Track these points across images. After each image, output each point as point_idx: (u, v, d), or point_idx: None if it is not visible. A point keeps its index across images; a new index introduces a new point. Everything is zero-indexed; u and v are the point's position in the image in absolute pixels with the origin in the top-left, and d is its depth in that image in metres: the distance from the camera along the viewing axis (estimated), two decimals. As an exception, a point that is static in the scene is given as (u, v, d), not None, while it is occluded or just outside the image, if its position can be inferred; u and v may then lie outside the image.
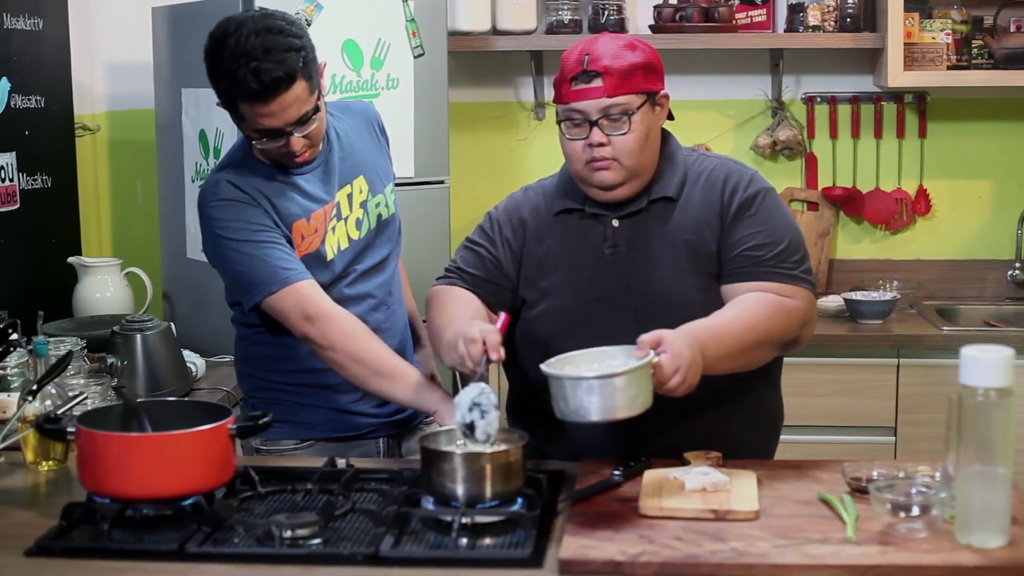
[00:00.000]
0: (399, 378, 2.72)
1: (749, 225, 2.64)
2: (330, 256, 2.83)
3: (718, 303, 2.61)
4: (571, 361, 2.39)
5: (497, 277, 2.72)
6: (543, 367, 2.34)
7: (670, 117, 2.69)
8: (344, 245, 2.86)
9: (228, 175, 2.82)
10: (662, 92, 2.64)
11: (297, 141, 2.72)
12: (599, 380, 2.26)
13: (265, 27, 2.66)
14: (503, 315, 2.59)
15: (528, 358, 2.66)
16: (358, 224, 2.89)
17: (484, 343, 2.40)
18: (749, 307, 2.56)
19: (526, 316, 2.71)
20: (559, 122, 2.63)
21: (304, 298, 2.73)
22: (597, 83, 2.57)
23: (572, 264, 2.68)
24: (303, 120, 2.71)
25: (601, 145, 2.58)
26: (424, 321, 2.89)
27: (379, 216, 2.93)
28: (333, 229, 2.84)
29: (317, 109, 2.73)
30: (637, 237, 2.66)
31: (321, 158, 2.86)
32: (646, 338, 2.36)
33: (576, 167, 2.63)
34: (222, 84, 2.69)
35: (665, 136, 2.74)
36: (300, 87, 2.67)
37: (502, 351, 2.42)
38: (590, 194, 2.67)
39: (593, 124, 2.57)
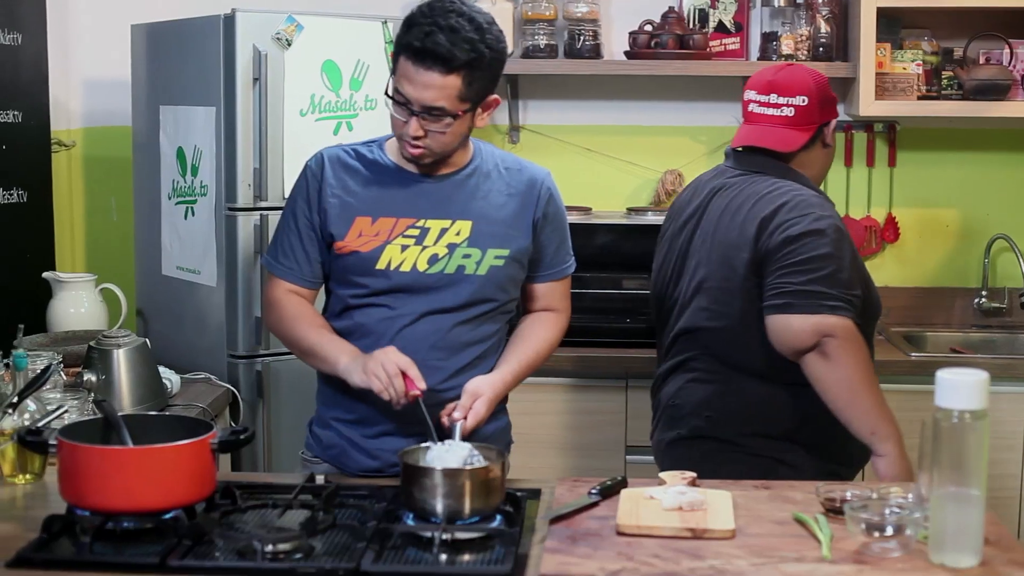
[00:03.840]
0: (318, 355, 2.78)
1: None
2: (380, 265, 2.76)
3: None
4: None
5: None
6: None
7: None
8: (405, 268, 2.76)
9: (348, 146, 2.88)
10: None
11: (415, 125, 2.67)
12: None
13: (469, 15, 2.66)
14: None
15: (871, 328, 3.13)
16: (431, 260, 2.77)
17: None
18: None
19: (871, 288, 3.13)
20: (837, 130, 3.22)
21: (271, 286, 2.87)
22: None
23: None
24: (433, 112, 2.67)
25: None
26: None
27: (461, 267, 2.78)
28: (403, 248, 2.76)
29: (455, 118, 2.69)
30: None
31: (450, 181, 2.81)
32: None
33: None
34: (404, 28, 2.68)
35: None
36: (452, 81, 2.64)
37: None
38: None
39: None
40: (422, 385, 2.60)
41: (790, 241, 2.91)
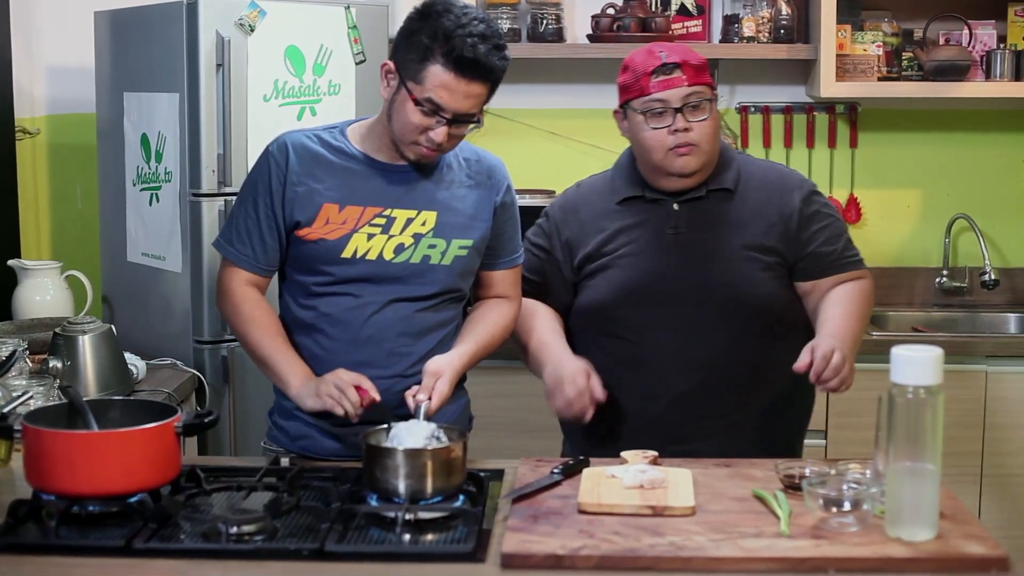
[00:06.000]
0: (271, 368, 2.76)
1: (815, 223, 2.92)
2: (346, 253, 2.74)
3: (770, 290, 2.89)
4: None
5: (558, 280, 3.03)
6: None
7: None
8: (371, 257, 2.75)
9: (309, 132, 2.83)
10: (716, 91, 2.94)
11: (443, 133, 2.65)
12: None
13: (483, 17, 2.64)
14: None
15: (582, 329, 3.00)
16: (397, 249, 2.77)
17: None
18: (856, 300, 2.91)
19: (585, 285, 2.98)
20: (641, 113, 2.86)
21: (227, 274, 2.82)
22: (677, 74, 2.82)
23: (634, 240, 2.94)
24: (466, 119, 2.67)
25: (686, 131, 2.82)
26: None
27: (426, 257, 2.78)
28: (369, 236, 2.75)
29: (476, 123, 2.71)
30: (698, 222, 2.92)
31: (415, 171, 2.79)
32: None
33: (656, 157, 2.87)
34: (435, 39, 2.60)
35: None
36: (487, 91, 2.66)
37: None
38: (664, 184, 2.93)
39: (677, 111, 2.81)
40: (376, 396, 2.61)
41: None
